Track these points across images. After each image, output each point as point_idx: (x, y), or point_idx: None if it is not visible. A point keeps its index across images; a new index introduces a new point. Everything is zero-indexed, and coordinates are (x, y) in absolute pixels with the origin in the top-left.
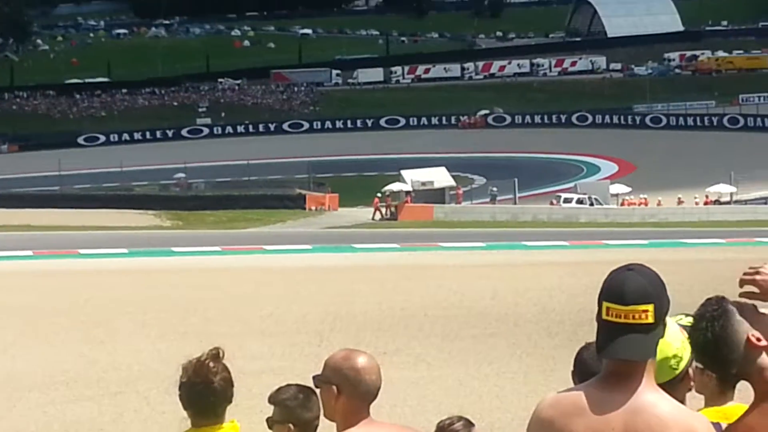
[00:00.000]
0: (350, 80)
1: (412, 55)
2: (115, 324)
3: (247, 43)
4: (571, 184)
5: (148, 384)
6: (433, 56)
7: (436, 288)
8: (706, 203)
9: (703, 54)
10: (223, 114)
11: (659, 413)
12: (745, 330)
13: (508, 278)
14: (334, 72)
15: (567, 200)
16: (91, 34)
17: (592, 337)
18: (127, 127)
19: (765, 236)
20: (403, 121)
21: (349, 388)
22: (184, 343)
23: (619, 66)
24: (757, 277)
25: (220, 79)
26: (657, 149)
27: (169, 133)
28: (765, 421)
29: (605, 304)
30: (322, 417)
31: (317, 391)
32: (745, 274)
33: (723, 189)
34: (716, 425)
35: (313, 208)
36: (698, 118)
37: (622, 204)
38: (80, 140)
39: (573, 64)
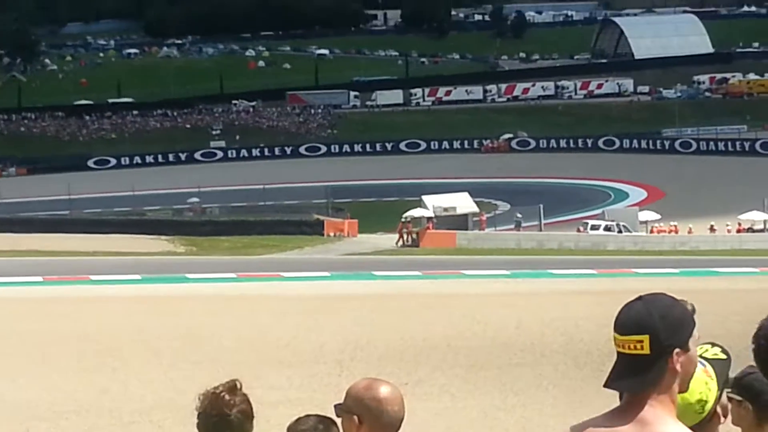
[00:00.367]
0: (368, 102)
1: (432, 76)
2: (127, 352)
3: (261, 63)
4: (599, 211)
5: (161, 414)
6: (454, 78)
7: (459, 317)
8: (738, 231)
9: (733, 77)
10: (237, 137)
11: None
12: None
13: (533, 307)
14: (352, 94)
15: (594, 227)
16: (101, 54)
17: None
18: (138, 150)
19: None
20: (423, 145)
21: (371, 418)
22: (198, 372)
23: (646, 89)
24: None
25: (234, 101)
26: (687, 175)
27: (182, 156)
28: None
29: (613, 334)
30: None
31: (338, 421)
32: None
33: (756, 216)
34: None
35: (332, 234)
36: (729, 143)
37: (652, 231)
38: (90, 163)
39: (599, 86)
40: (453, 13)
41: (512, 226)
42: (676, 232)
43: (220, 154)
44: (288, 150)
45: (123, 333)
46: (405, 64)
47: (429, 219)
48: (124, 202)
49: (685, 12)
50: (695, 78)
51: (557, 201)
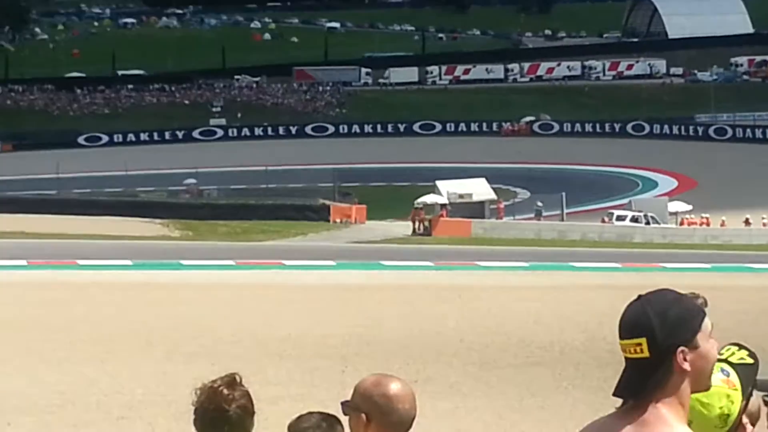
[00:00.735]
0: (381, 80)
1: (450, 53)
2: (116, 342)
3: (267, 36)
4: (625, 201)
5: (153, 409)
6: (473, 55)
7: (473, 311)
8: None
9: None
10: (239, 114)
11: None
12: None
13: (553, 302)
14: (364, 71)
15: (620, 218)
16: (95, 23)
17: None
18: (132, 127)
19: None
20: (438, 127)
21: (379, 416)
22: (193, 366)
23: (680, 71)
24: None
25: (236, 76)
26: (721, 163)
27: (179, 135)
28: None
29: (622, 341)
30: None
31: (345, 419)
32: None
33: None
34: None
35: (338, 220)
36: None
37: (682, 223)
38: (81, 140)
39: (629, 67)
40: None
41: (532, 215)
42: (708, 224)
43: (220, 132)
44: (293, 129)
45: (112, 322)
46: (421, 40)
47: (443, 206)
48: (116, 182)
49: None
50: (733, 60)
51: (581, 189)
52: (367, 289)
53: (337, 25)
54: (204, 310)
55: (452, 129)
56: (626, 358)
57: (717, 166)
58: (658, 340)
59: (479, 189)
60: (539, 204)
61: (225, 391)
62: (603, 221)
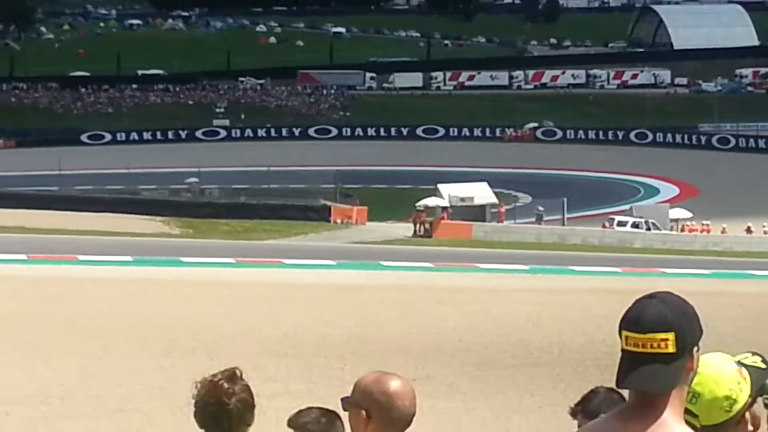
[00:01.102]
0: (386, 85)
1: (455, 60)
2: (115, 337)
3: (273, 40)
4: (627, 207)
5: (151, 403)
6: (478, 62)
7: (472, 313)
8: None
9: None
10: (242, 116)
11: None
12: None
13: (552, 305)
14: (368, 75)
15: (621, 223)
16: (101, 24)
17: None
18: (136, 126)
19: None
20: (442, 131)
21: (379, 413)
22: (192, 361)
23: (685, 81)
24: None
25: (241, 78)
26: (723, 172)
27: (183, 134)
28: None
29: (624, 333)
30: None
31: (344, 415)
32: None
33: None
34: None
35: (339, 221)
36: None
37: (683, 230)
38: (84, 138)
39: (634, 76)
40: None
41: (533, 220)
42: (709, 231)
43: (223, 133)
44: (296, 131)
45: (112, 317)
46: (426, 46)
47: (444, 209)
48: (118, 179)
49: (730, 2)
50: (738, 71)
51: (582, 195)
52: (367, 288)
53: (342, 30)
54: (203, 307)
55: (455, 134)
56: (636, 353)
57: (719, 174)
58: (686, 337)
59: (481, 192)
60: (540, 208)
61: (225, 385)
62: (604, 226)
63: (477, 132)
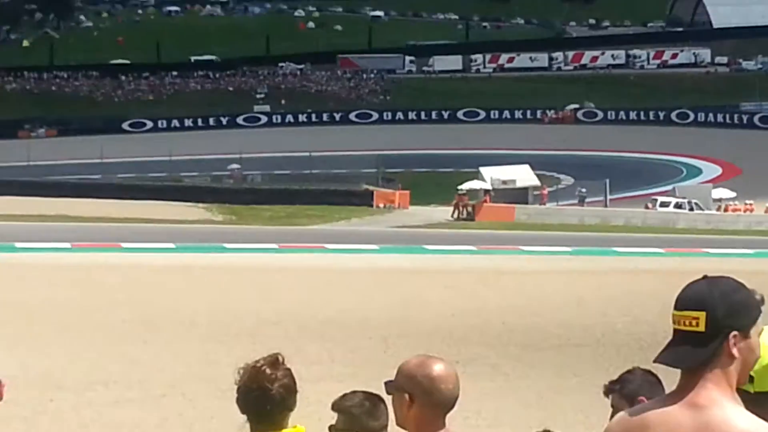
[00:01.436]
0: (425, 68)
1: (494, 42)
2: (159, 323)
3: (311, 24)
4: (669, 187)
5: (194, 387)
6: (518, 44)
7: (516, 294)
8: None
9: None
10: (283, 101)
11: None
12: None
13: (595, 286)
14: (408, 59)
15: (664, 204)
16: (140, 11)
17: None
18: (176, 113)
19: None
20: (482, 114)
21: (422, 396)
22: (235, 345)
23: (725, 60)
24: None
25: (280, 63)
26: (766, 151)
27: (223, 121)
28: None
29: (672, 311)
30: (391, 428)
31: (388, 398)
32: None
33: None
34: None
35: (381, 205)
36: None
37: (725, 210)
38: (125, 126)
39: (674, 56)
40: None
41: (575, 201)
42: (752, 211)
43: (264, 119)
44: (337, 116)
45: (155, 303)
46: (465, 29)
47: (486, 192)
48: (160, 167)
49: None
50: None
51: (625, 176)
52: (410, 272)
53: (380, 13)
54: (246, 293)
55: (496, 116)
56: (676, 330)
57: (762, 153)
58: (718, 318)
59: (523, 175)
60: (582, 190)
61: (268, 371)
62: (646, 207)
63: (518, 114)
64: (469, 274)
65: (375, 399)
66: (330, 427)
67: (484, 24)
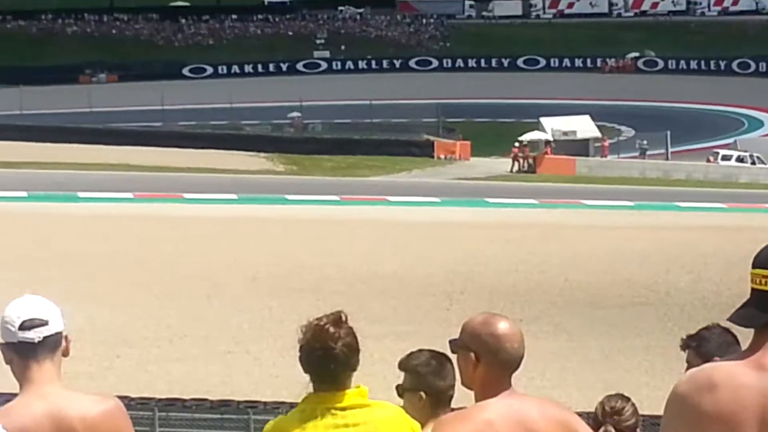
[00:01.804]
0: (485, 13)
1: None
2: (222, 278)
3: None
4: (731, 140)
5: (259, 344)
6: None
7: (578, 251)
8: None
9: None
10: (343, 47)
11: None
12: None
13: (658, 242)
14: (467, 3)
15: (725, 158)
16: None
17: None
18: (236, 59)
19: None
20: (542, 62)
21: (488, 355)
22: (298, 301)
23: None
24: None
25: (340, 7)
26: None
27: (283, 67)
28: None
29: (750, 270)
30: (457, 387)
31: (453, 357)
32: None
33: None
34: None
35: (443, 156)
36: None
37: None
38: (185, 71)
39: (735, 2)
40: None
41: (637, 154)
42: None
43: (324, 65)
44: (397, 63)
45: (218, 257)
46: None
47: (547, 143)
48: (221, 114)
49: None
50: None
51: (686, 128)
52: (472, 226)
53: None
54: (308, 246)
55: (555, 65)
56: (753, 290)
57: None
58: None
59: (584, 126)
60: (644, 142)
61: (331, 329)
62: (708, 161)
63: (578, 63)
64: (531, 228)
65: (442, 358)
66: (397, 387)
67: None
